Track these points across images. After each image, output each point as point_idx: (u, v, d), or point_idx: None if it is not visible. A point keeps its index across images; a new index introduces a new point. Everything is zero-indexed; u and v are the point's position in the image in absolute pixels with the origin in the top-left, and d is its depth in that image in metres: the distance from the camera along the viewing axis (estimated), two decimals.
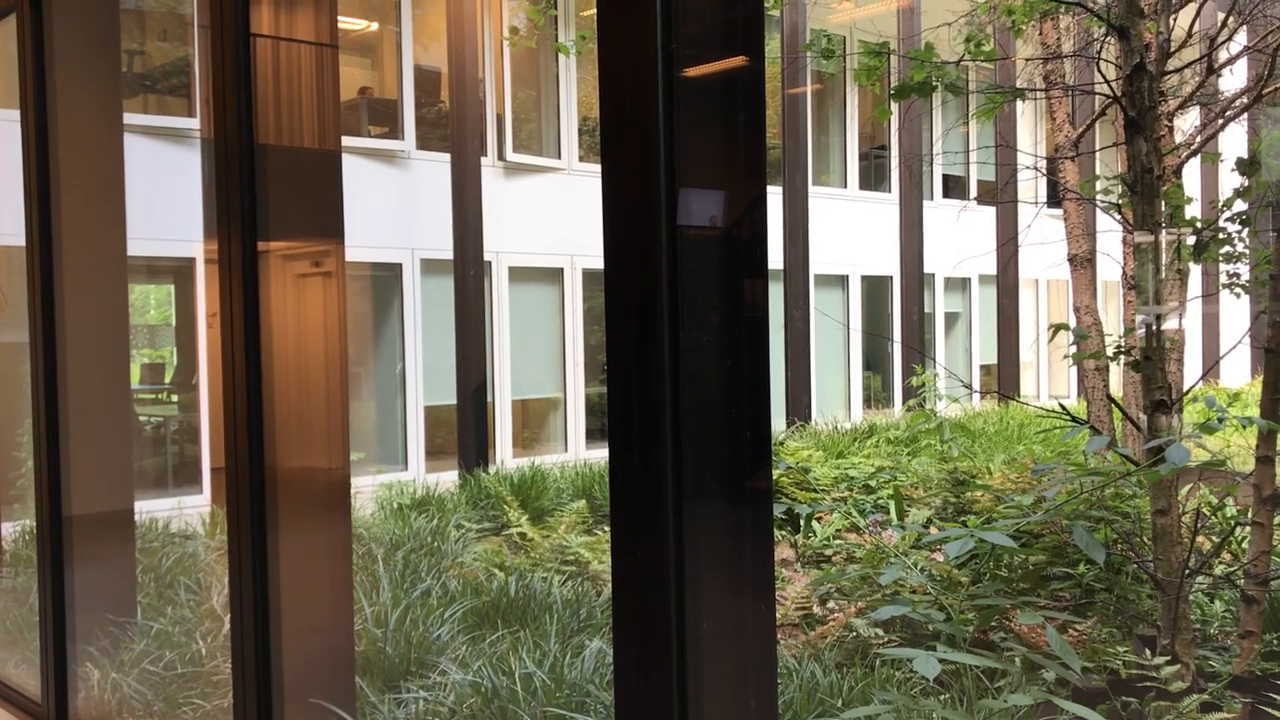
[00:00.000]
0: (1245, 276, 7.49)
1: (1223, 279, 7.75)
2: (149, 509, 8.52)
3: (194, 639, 4.75)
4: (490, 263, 12.18)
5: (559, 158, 13.24)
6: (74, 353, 3.89)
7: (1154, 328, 4.82)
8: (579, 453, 12.79)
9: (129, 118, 9.73)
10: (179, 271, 10.93)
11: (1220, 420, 4.07)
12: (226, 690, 3.88)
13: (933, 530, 7.01)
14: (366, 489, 9.84)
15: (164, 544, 7.08)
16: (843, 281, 16.06)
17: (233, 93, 2.85)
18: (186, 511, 8.59)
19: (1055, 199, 10.12)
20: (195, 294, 10.80)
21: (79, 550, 3.95)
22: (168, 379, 11.93)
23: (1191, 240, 6.51)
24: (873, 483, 8.66)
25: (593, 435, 13.13)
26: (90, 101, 4.08)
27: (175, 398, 11.71)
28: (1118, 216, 7.14)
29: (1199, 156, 8.06)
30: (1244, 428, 4.40)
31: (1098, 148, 11.18)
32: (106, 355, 4.18)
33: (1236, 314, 15.34)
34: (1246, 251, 6.84)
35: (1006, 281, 16.31)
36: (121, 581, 4.43)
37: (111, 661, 4.18)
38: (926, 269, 15.94)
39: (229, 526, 2.93)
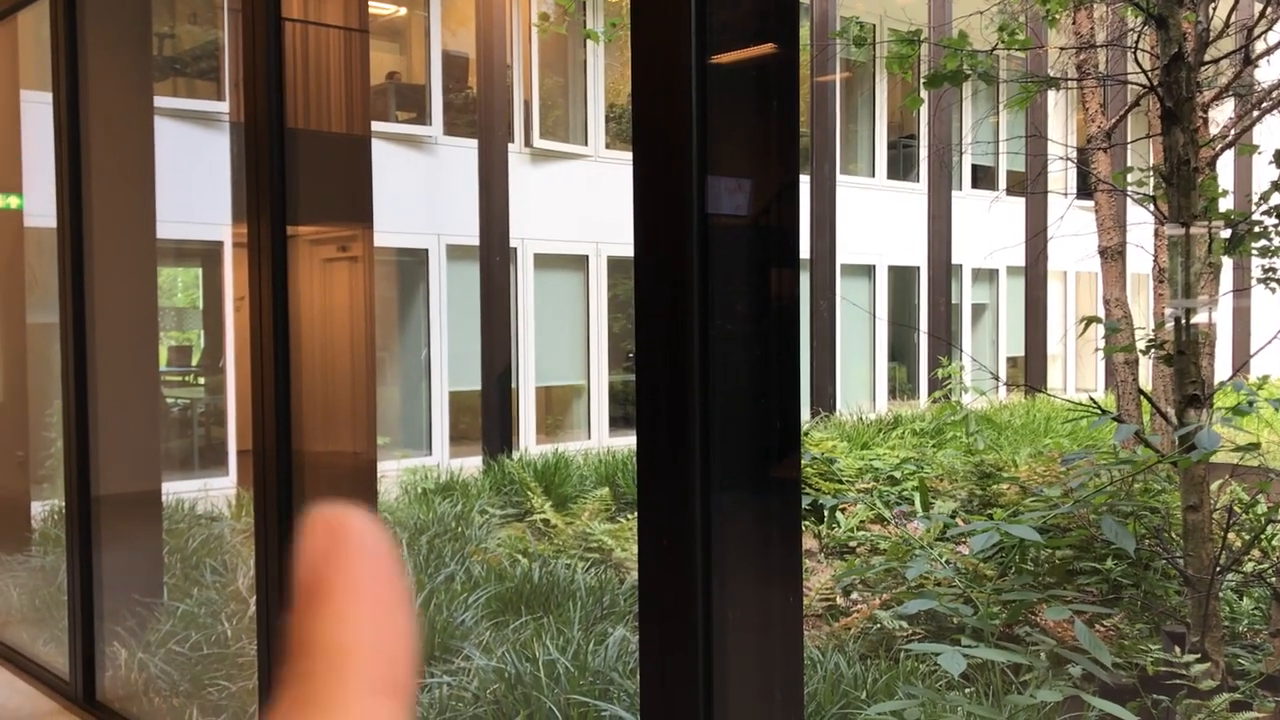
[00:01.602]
0: None
1: (1257, 273, 7.66)
2: (175, 490, 8.58)
3: (219, 620, 4.78)
4: (516, 249, 12.18)
5: (586, 145, 13.22)
6: (103, 334, 3.91)
7: (1185, 321, 4.76)
8: (602, 440, 12.79)
9: (159, 101, 9.78)
10: (207, 255, 10.99)
11: (1250, 404, 4.02)
12: (252, 672, 3.90)
13: (958, 523, 6.97)
14: (391, 473, 9.88)
15: (190, 526, 7.13)
16: (869, 271, 15.98)
17: (263, 77, 2.85)
18: (213, 493, 8.65)
19: (1086, 190, 10.04)
20: (223, 277, 10.86)
21: (107, 531, 3.98)
22: (194, 361, 12.00)
23: (1225, 233, 6.43)
24: (898, 474, 8.61)
25: (616, 423, 13.13)
26: (121, 85, 4.09)
27: (202, 380, 11.78)
28: (1151, 208, 7.06)
29: (1234, 149, 7.96)
30: (1276, 411, 4.34)
31: (1130, 139, 11.07)
32: (135, 337, 4.20)
33: (1269, 308, 15.18)
34: None
35: (1035, 273, 16.18)
36: (148, 562, 4.46)
37: (138, 641, 4.21)
38: (954, 260, 15.84)
39: (255, 509, 2.94)
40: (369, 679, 0.26)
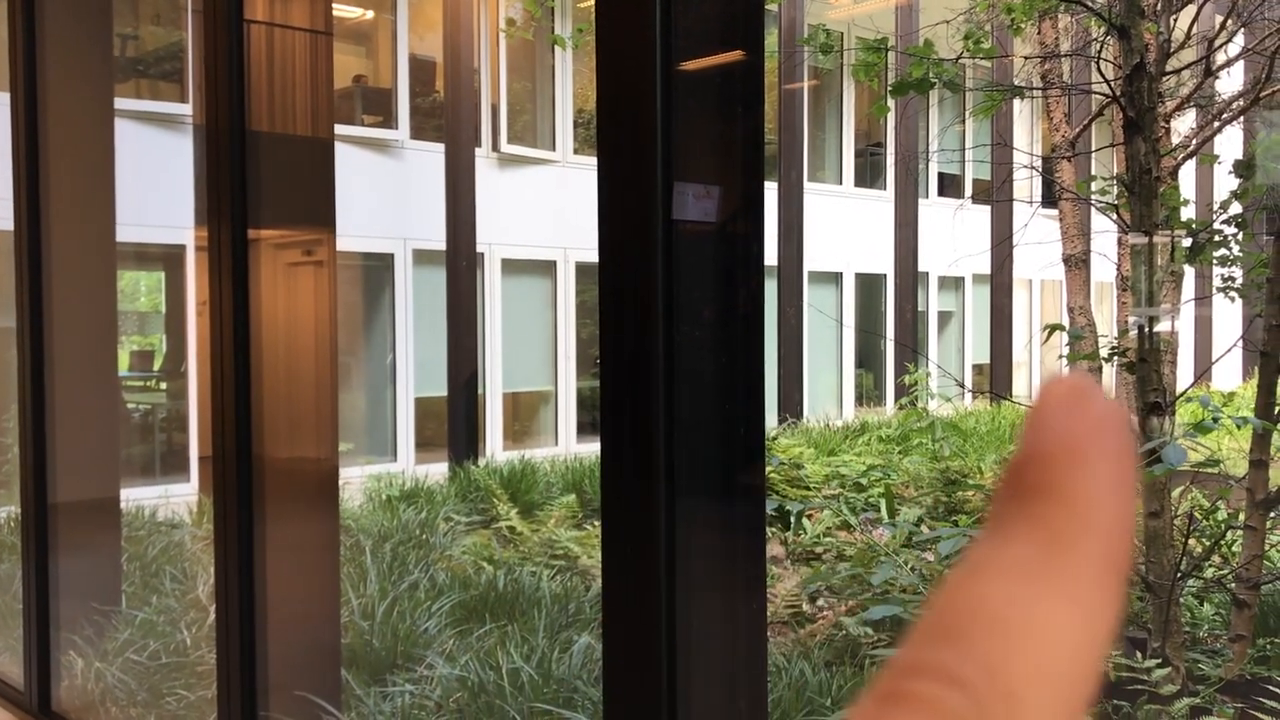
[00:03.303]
0: (1240, 279, 7.49)
1: (1217, 282, 7.75)
2: (136, 497, 8.48)
3: (179, 629, 4.72)
4: (483, 254, 12.14)
5: (554, 150, 13.20)
6: (61, 339, 3.86)
7: (1147, 329, 4.80)
8: (569, 446, 12.76)
9: (121, 102, 9.67)
10: (169, 258, 10.88)
11: (1215, 420, 4.06)
12: (211, 681, 3.85)
13: (924, 529, 7.00)
14: (355, 480, 9.80)
15: (150, 533, 7.04)
16: (837, 279, 16.05)
17: (225, 79, 2.81)
18: (174, 500, 8.55)
19: (1051, 199, 10.12)
20: (185, 281, 10.75)
21: (64, 538, 3.92)
22: (157, 366, 11.88)
23: (1187, 242, 6.50)
24: (864, 481, 8.65)
25: (583, 429, 13.10)
26: (81, 85, 4.04)
27: (164, 385, 11.66)
28: (1114, 217, 7.13)
29: (1195, 159, 8.05)
30: (1238, 428, 4.38)
31: (1094, 148, 11.18)
32: (94, 342, 4.14)
33: (1229, 317, 15.37)
34: (1241, 254, 6.83)
35: (1001, 281, 16.31)
36: (106, 570, 4.40)
37: (95, 650, 4.15)
38: (921, 267, 15.93)
39: (215, 516, 2.90)
40: (1107, 549, 0.25)
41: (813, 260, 15.05)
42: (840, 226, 15.87)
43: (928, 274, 16.73)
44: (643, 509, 1.80)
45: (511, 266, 12.64)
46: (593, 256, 1.82)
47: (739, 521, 2.00)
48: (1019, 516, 0.25)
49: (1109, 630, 0.25)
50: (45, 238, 3.82)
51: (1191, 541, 4.96)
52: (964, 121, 15.64)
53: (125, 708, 4.15)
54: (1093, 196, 7.61)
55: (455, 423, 11.38)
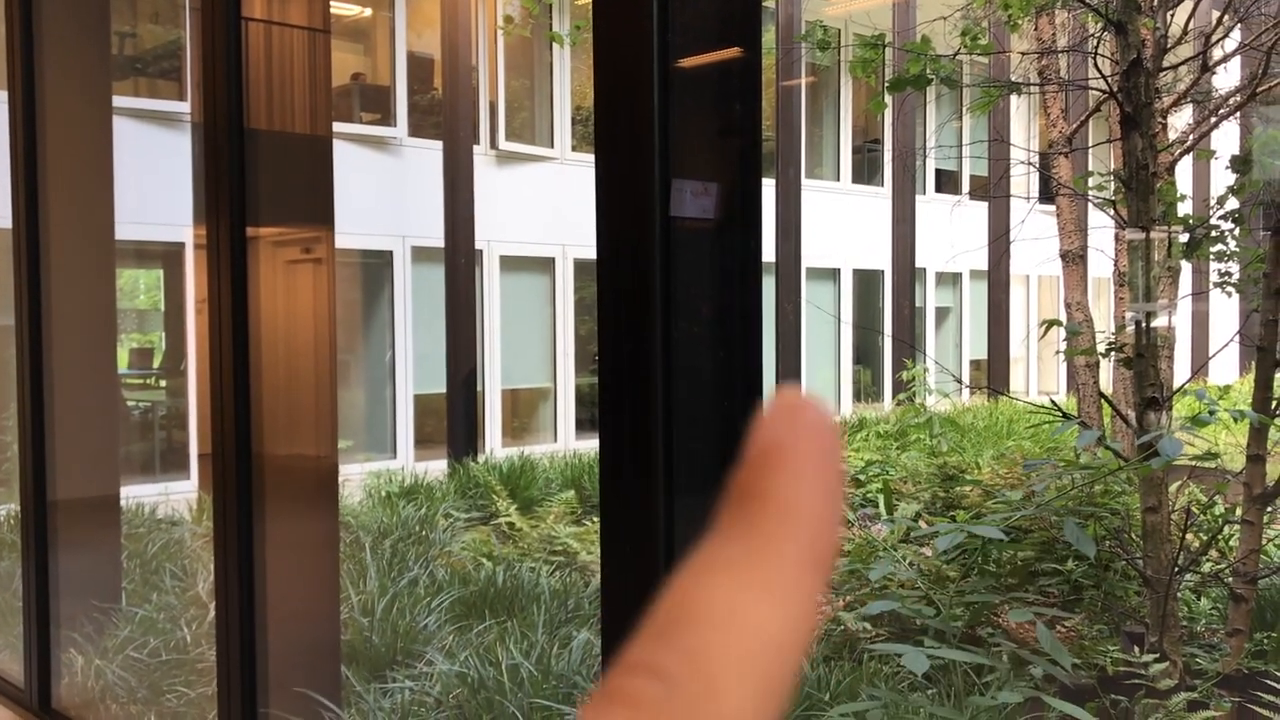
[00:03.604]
0: (1236, 275, 7.50)
1: (1214, 277, 7.76)
2: (135, 494, 8.48)
3: (179, 626, 4.72)
4: (482, 251, 12.14)
5: (552, 147, 13.19)
6: (60, 337, 3.86)
7: (1145, 325, 4.81)
8: (568, 443, 12.77)
9: (120, 100, 9.66)
10: (168, 256, 10.88)
11: (1211, 413, 4.07)
12: (211, 678, 3.86)
13: (922, 525, 7.01)
14: (355, 477, 9.81)
15: (150, 530, 7.05)
16: (834, 275, 16.06)
17: (223, 77, 2.82)
18: (173, 497, 8.55)
19: (1048, 195, 10.13)
20: (184, 279, 10.75)
21: (64, 535, 3.92)
22: (156, 364, 11.87)
23: (1184, 238, 6.51)
24: (862, 476, 8.66)
25: (582, 425, 13.11)
26: (79, 83, 4.04)
27: (163, 383, 11.66)
28: (1111, 213, 7.13)
29: (1192, 154, 8.06)
30: (1235, 421, 4.40)
31: (1091, 144, 11.19)
32: (93, 339, 4.15)
33: (1226, 312, 15.39)
34: (1238, 250, 6.84)
35: (998, 277, 16.32)
36: (106, 567, 4.41)
37: (95, 648, 4.16)
38: (918, 263, 15.94)
39: (215, 513, 2.91)
40: (809, 544, 0.27)
41: (810, 257, 15.06)
42: (838, 223, 15.87)
43: (925, 270, 16.73)
44: (641, 505, 1.81)
45: (510, 263, 12.64)
46: (591, 253, 1.83)
47: None
48: (732, 519, 0.27)
49: (810, 618, 0.27)
50: (44, 235, 3.82)
51: (1189, 536, 4.98)
52: (961, 118, 15.64)
53: (125, 705, 4.16)
54: (1090, 192, 7.62)
55: (454, 419, 11.39)
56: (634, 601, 1.83)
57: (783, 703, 0.26)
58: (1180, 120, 9.02)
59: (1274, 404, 4.34)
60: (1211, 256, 6.97)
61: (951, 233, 15.54)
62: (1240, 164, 6.03)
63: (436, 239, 11.57)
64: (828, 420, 0.29)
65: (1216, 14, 7.03)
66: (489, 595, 5.63)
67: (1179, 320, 14.60)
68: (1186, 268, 9.13)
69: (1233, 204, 6.43)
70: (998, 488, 7.08)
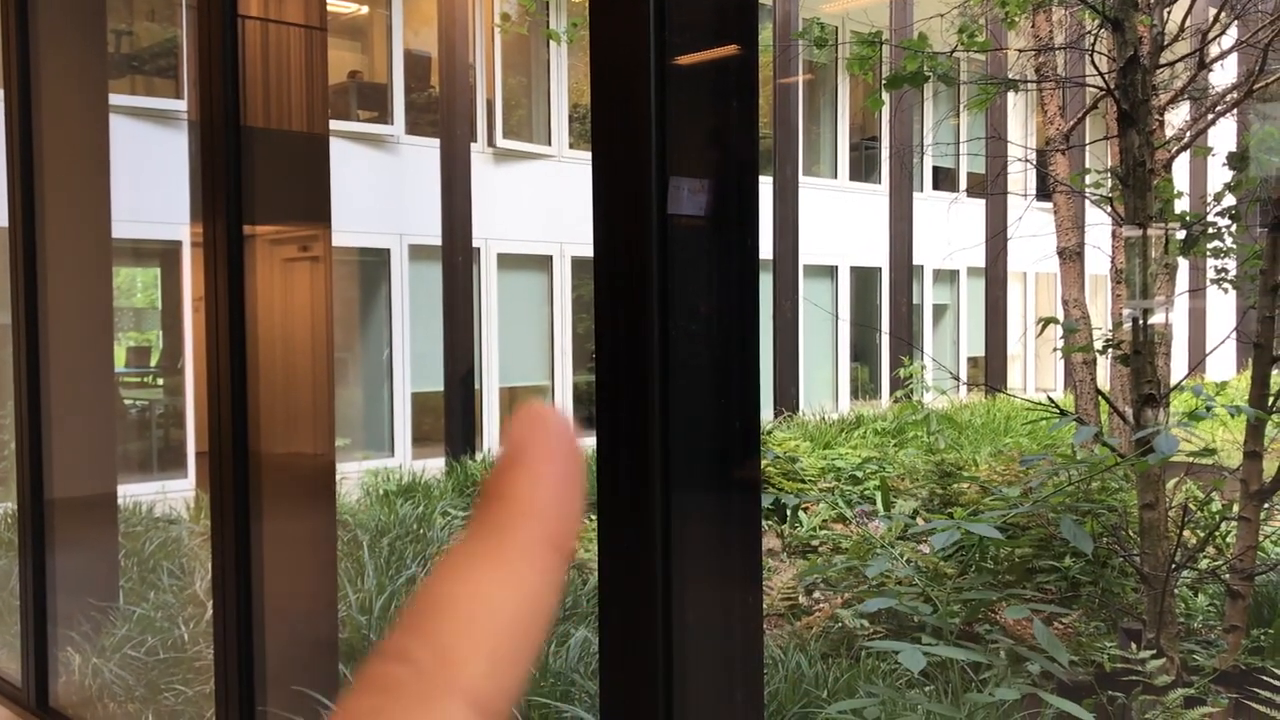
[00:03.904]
0: (1233, 272, 7.51)
1: (1211, 274, 7.77)
2: (133, 493, 8.48)
3: (176, 624, 4.72)
4: (479, 249, 12.14)
5: (549, 145, 13.19)
6: (57, 335, 3.86)
7: (1142, 322, 4.82)
8: None
9: (116, 99, 9.65)
10: (165, 254, 10.87)
11: (1208, 409, 4.07)
12: (208, 676, 3.86)
13: (919, 521, 7.02)
14: (353, 475, 9.81)
15: (147, 528, 7.05)
16: (832, 272, 16.06)
17: (219, 75, 2.81)
18: (171, 496, 8.55)
19: (1045, 192, 10.13)
20: (181, 277, 10.74)
21: (61, 534, 3.92)
22: (153, 362, 11.87)
23: (1180, 234, 6.52)
24: (860, 473, 8.66)
25: (581, 423, 13.11)
26: (75, 81, 4.03)
27: (161, 381, 11.65)
28: (1108, 210, 7.14)
29: (1189, 151, 8.06)
30: (1232, 417, 4.40)
31: (1088, 141, 11.19)
32: (90, 338, 4.15)
33: (1223, 309, 15.40)
34: (1235, 247, 6.85)
35: (995, 274, 16.33)
36: (104, 566, 4.41)
37: (93, 646, 4.16)
38: (915, 260, 15.95)
39: (212, 512, 2.91)
40: (544, 531, 0.31)
41: (808, 254, 15.06)
42: (835, 220, 15.87)
43: (923, 267, 16.74)
44: (638, 503, 1.81)
45: (507, 261, 12.64)
46: (589, 251, 1.83)
47: (735, 514, 2.00)
48: (477, 518, 0.31)
49: (548, 597, 0.31)
50: (40, 234, 3.82)
51: (1186, 533, 4.98)
52: (958, 115, 15.64)
53: (123, 703, 4.16)
54: (1087, 189, 7.63)
55: (452, 417, 11.38)
56: (631, 599, 1.83)
57: (526, 665, 0.30)
58: (1177, 117, 9.02)
59: (1271, 400, 4.34)
60: (1208, 253, 6.97)
61: (949, 230, 15.56)
62: (1237, 161, 6.03)
63: (434, 237, 11.56)
64: (565, 425, 0.33)
65: (1213, 11, 7.03)
66: None
67: (1176, 317, 14.61)
68: (1183, 264, 9.14)
69: (1230, 201, 6.44)
70: (995, 484, 7.09)
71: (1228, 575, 4.50)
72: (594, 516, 1.85)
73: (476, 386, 11.96)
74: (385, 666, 0.29)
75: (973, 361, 17.80)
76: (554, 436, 0.32)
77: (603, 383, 1.85)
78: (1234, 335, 6.66)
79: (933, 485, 7.92)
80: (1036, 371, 18.97)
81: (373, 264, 11.80)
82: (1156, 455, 3.77)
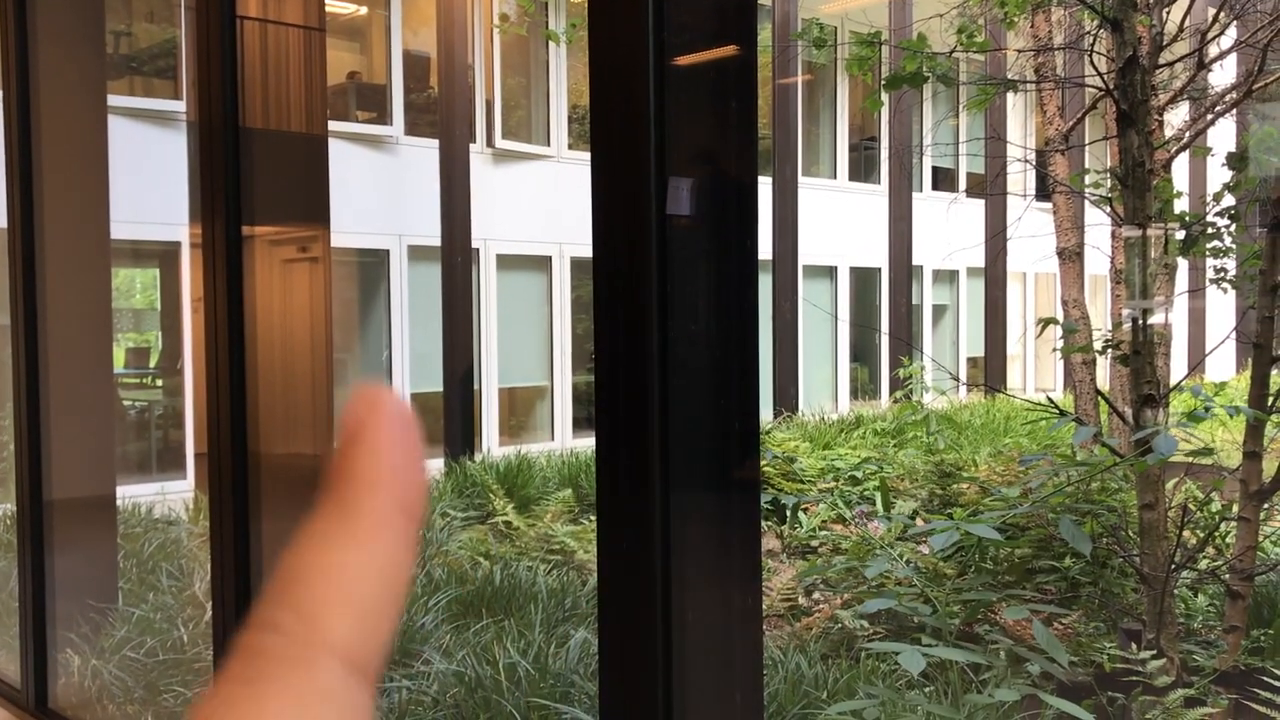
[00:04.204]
0: (1233, 272, 7.51)
1: (1210, 274, 7.77)
2: (132, 494, 8.47)
3: (176, 626, 4.72)
4: (478, 250, 12.13)
5: (548, 145, 13.19)
6: (56, 336, 3.85)
7: (1141, 322, 4.82)
8: (565, 441, 12.77)
9: (116, 99, 9.65)
10: (164, 255, 10.86)
11: (1206, 409, 4.07)
12: (208, 678, 3.85)
13: (919, 522, 7.02)
14: None
15: (147, 529, 7.04)
16: (831, 273, 16.06)
17: (218, 75, 2.81)
18: (170, 497, 8.55)
19: (1045, 192, 10.13)
20: (180, 278, 10.74)
21: (60, 535, 3.92)
22: (153, 363, 11.86)
23: (1180, 235, 6.51)
24: (859, 474, 8.66)
25: (579, 424, 13.10)
26: (74, 82, 4.03)
27: (160, 382, 11.64)
28: (1107, 210, 7.14)
29: (1188, 151, 8.06)
30: (1231, 417, 4.40)
31: (1088, 141, 11.19)
32: (89, 339, 4.14)
33: (1223, 309, 15.40)
34: (1234, 247, 6.85)
35: (995, 274, 16.32)
36: (103, 567, 4.40)
37: (92, 648, 4.15)
38: (915, 261, 15.95)
39: (211, 513, 2.90)
40: (391, 499, 0.33)
41: (807, 254, 15.06)
42: (835, 221, 15.88)
43: (922, 268, 16.74)
44: (638, 503, 1.80)
45: (507, 262, 12.63)
46: (588, 252, 1.83)
47: (734, 515, 2.00)
48: (327, 497, 0.33)
49: (404, 559, 0.33)
50: (39, 235, 3.82)
51: (1186, 533, 4.98)
52: (958, 115, 15.64)
53: (122, 705, 4.15)
54: (1086, 190, 7.62)
55: (451, 418, 11.38)
56: (631, 600, 1.83)
57: (392, 623, 0.32)
58: (1176, 117, 9.02)
59: (1270, 400, 4.34)
60: (1208, 253, 6.97)
61: (948, 230, 15.56)
62: (1236, 161, 6.03)
63: (433, 237, 11.56)
64: (399, 401, 0.35)
65: (1212, 11, 7.03)
66: (486, 594, 5.63)
67: (1176, 317, 14.61)
68: (1183, 264, 9.14)
69: (1229, 201, 6.44)
70: (995, 485, 7.09)
71: (1227, 575, 4.50)
72: (594, 517, 1.85)
73: (476, 387, 11.96)
74: (256, 636, 0.30)
75: (972, 362, 17.80)
76: (389, 413, 0.34)
77: (602, 383, 1.85)
78: (1234, 335, 6.66)
79: (932, 486, 7.91)
80: (1036, 372, 18.97)
81: (372, 265, 11.80)
82: (1155, 455, 3.77)
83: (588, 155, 1.82)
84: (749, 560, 2.02)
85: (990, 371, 16.61)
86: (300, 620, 0.31)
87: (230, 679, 0.30)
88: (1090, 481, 5.32)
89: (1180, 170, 12.63)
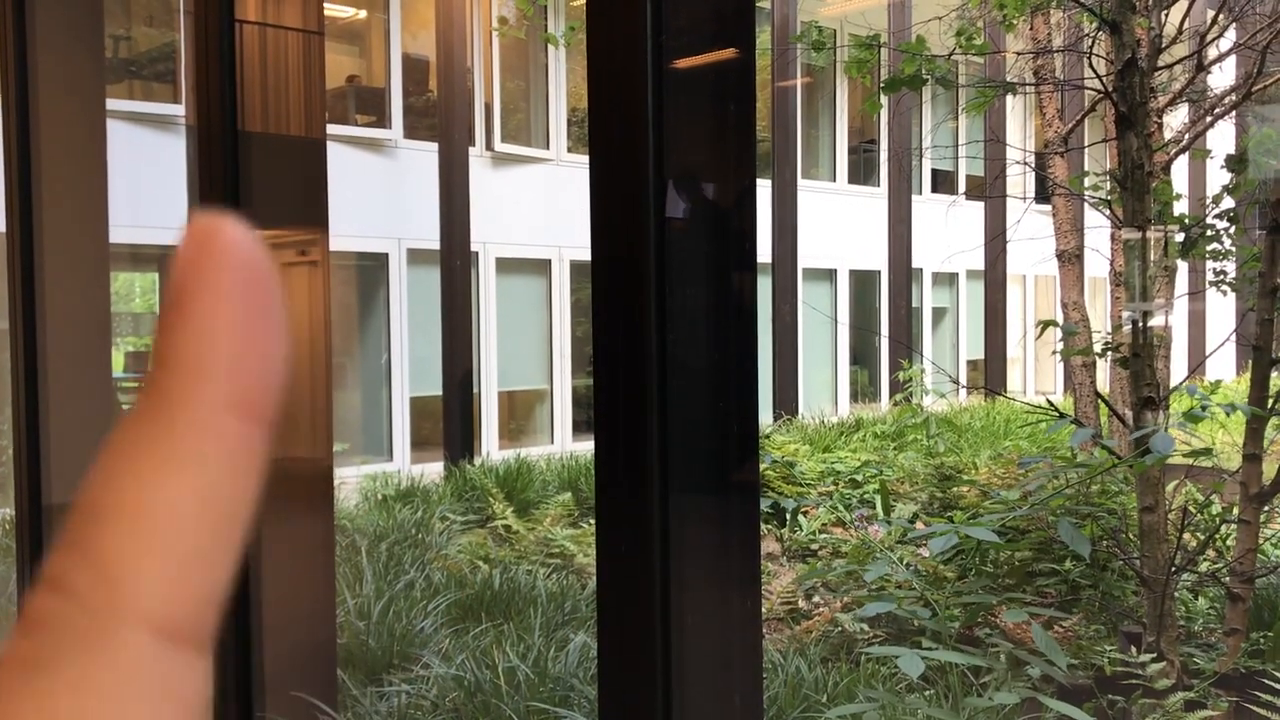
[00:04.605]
0: (1232, 274, 7.51)
1: (1210, 276, 7.77)
2: None
3: None
4: (477, 253, 12.13)
5: (548, 148, 13.19)
6: (55, 340, 3.85)
7: (1141, 324, 4.81)
8: (565, 445, 12.76)
9: (116, 103, 9.65)
10: (164, 259, 10.86)
11: (1204, 408, 4.07)
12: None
13: (919, 525, 7.01)
14: (351, 480, 9.80)
15: None
16: (831, 276, 16.06)
17: (217, 79, 2.81)
18: None
19: (1044, 194, 10.14)
20: None
21: (59, 540, 3.91)
22: None
23: (1179, 237, 6.52)
24: (859, 477, 8.65)
25: (579, 427, 13.10)
26: (73, 86, 4.03)
27: None
28: (1107, 212, 7.14)
29: (1187, 153, 8.07)
30: (1228, 415, 4.40)
31: (1087, 144, 11.19)
32: (88, 343, 4.14)
33: (1223, 311, 15.40)
34: (1234, 249, 6.85)
35: (994, 277, 16.33)
36: None
37: None
38: (915, 264, 15.95)
39: None
40: (224, 394, 0.24)
41: (807, 257, 15.06)
42: (834, 223, 15.88)
43: (922, 270, 16.75)
44: (637, 506, 1.80)
45: (506, 265, 12.63)
46: (587, 254, 1.83)
47: (733, 518, 2.00)
48: (143, 390, 0.24)
49: (243, 475, 0.25)
50: (38, 239, 3.82)
51: (1186, 536, 4.98)
52: (957, 118, 15.65)
53: None
54: (1086, 192, 7.62)
55: (450, 422, 11.37)
56: (630, 603, 1.83)
57: (224, 565, 0.24)
58: (1175, 119, 9.02)
59: (1270, 403, 4.34)
60: (1207, 256, 6.97)
61: (948, 233, 15.55)
62: (1235, 163, 6.03)
63: (432, 241, 11.56)
64: (243, 241, 0.24)
65: (1211, 13, 7.04)
66: (485, 598, 5.62)
67: (1175, 320, 14.61)
68: (1183, 267, 9.14)
69: (1228, 203, 6.44)
70: (995, 488, 7.08)
71: (1227, 578, 4.50)
72: (594, 520, 1.85)
73: (475, 391, 11.95)
74: (42, 601, 0.23)
75: (972, 364, 17.80)
76: (230, 262, 0.24)
77: (601, 386, 1.85)
78: (1234, 338, 6.66)
79: (932, 489, 7.91)
80: (1036, 374, 18.97)
81: (371, 268, 11.80)
82: (1153, 455, 3.77)
83: (587, 158, 1.82)
84: (749, 563, 2.02)
85: (990, 374, 16.61)
86: (95, 575, 0.23)
87: (7, 662, 0.23)
88: (1090, 484, 5.31)
89: (1180, 172, 12.63)
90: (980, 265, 16.34)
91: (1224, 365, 16.54)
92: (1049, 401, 5.09)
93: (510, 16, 12.33)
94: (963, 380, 17.28)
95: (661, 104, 1.77)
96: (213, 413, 0.24)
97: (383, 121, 12.04)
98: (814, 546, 7.28)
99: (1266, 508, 4.69)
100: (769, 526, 7.79)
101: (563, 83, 13.31)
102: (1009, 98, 12.59)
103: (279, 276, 0.25)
